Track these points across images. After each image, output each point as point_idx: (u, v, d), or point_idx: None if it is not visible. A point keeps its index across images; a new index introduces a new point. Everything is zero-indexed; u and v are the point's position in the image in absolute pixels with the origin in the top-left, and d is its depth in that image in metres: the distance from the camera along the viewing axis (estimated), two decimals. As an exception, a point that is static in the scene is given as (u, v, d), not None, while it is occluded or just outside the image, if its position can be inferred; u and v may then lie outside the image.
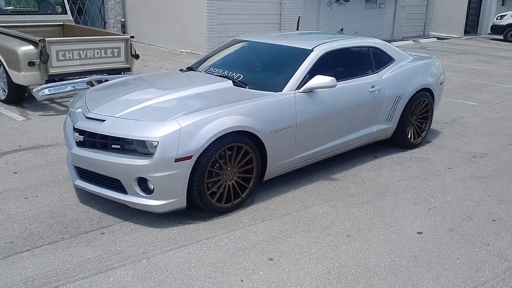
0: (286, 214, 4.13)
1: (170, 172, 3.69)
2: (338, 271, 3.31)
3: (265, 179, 4.41)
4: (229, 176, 4.06)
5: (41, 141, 5.76)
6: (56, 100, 7.56)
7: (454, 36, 20.59)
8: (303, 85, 4.54)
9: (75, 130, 4.07)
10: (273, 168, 4.40)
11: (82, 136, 4.00)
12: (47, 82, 6.80)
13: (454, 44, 17.52)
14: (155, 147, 3.67)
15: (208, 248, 3.57)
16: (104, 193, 3.97)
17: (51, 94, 6.71)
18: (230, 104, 4.08)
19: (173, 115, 3.88)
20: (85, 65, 7.05)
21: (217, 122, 3.87)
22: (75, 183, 4.16)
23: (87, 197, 4.30)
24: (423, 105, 5.91)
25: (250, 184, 4.23)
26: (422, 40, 17.73)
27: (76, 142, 4.07)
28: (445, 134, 6.55)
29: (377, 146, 5.83)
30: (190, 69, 5.33)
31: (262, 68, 5.02)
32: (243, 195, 4.20)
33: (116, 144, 3.85)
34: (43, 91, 6.65)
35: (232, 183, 4.11)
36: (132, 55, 7.49)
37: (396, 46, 6.08)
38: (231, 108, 4.04)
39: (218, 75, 4.86)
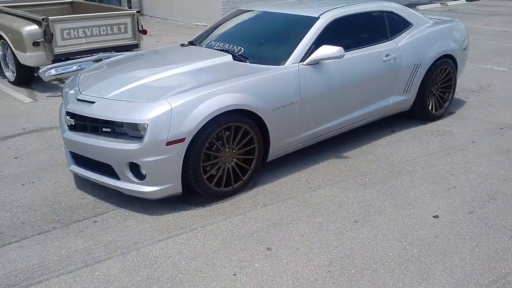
0: (290, 197, 3.86)
1: (162, 156, 3.45)
2: (341, 262, 3.04)
3: (269, 159, 4.13)
4: (228, 158, 3.80)
5: (46, 123, 5.61)
6: (65, 80, 7.40)
7: (487, -4, 19.45)
8: (307, 57, 4.18)
9: (67, 113, 3.87)
10: (277, 148, 4.11)
11: (73, 120, 3.79)
12: (53, 62, 6.65)
13: (486, 6, 16.53)
14: (144, 130, 3.43)
15: (203, 237, 3.34)
16: (98, 179, 3.78)
17: (57, 74, 6.55)
18: (227, 81, 3.79)
19: (164, 94, 3.61)
20: (91, 43, 6.85)
21: (211, 101, 3.59)
22: (70, 168, 3.99)
23: (84, 183, 4.12)
24: (445, 73, 5.46)
25: (252, 166, 3.96)
26: (450, 2, 16.78)
27: (68, 125, 3.87)
28: (470, 103, 6.09)
29: (395, 120, 5.45)
30: (191, 43, 5.03)
31: (265, 39, 4.68)
32: (244, 178, 3.94)
33: (107, 128, 3.63)
34: (49, 72, 6.49)
35: (232, 166, 3.84)
36: (140, 31, 7.24)
37: (421, 10, 5.61)
38: (228, 85, 3.74)
39: (218, 49, 4.54)
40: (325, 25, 4.43)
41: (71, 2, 8.42)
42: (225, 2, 11.64)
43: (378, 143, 4.90)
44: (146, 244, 3.27)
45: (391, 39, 4.98)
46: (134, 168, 3.58)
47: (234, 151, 3.82)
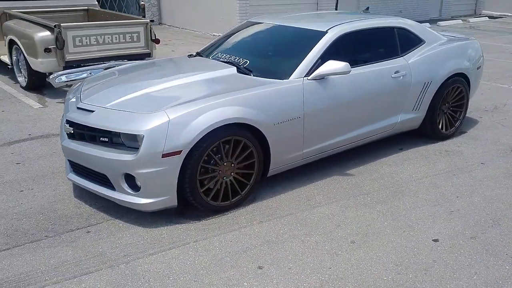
0: (288, 214, 3.77)
1: (158, 168, 3.41)
2: (333, 284, 2.93)
3: (269, 174, 4.06)
4: (226, 172, 3.74)
5: (52, 129, 5.63)
6: (77, 87, 7.46)
7: (509, 14, 19.17)
8: (313, 72, 4.12)
9: (66, 121, 3.86)
10: (277, 163, 4.04)
11: (72, 128, 3.78)
12: (64, 68, 6.68)
13: (508, 24, 16.27)
14: (140, 141, 3.39)
15: (195, 252, 3.27)
16: (94, 189, 3.75)
17: (68, 81, 6.55)
18: (228, 94, 3.74)
19: (164, 105, 3.58)
20: (103, 50, 6.88)
21: (211, 113, 3.54)
22: (67, 176, 3.97)
23: (81, 192, 4.10)
24: (457, 92, 5.33)
25: (251, 181, 3.89)
26: (472, 19, 16.58)
27: (67, 134, 3.86)
28: (483, 123, 5.94)
29: (405, 137, 5.33)
30: (198, 54, 5.00)
31: (272, 52, 4.62)
32: (243, 193, 3.87)
33: (104, 137, 3.60)
34: (59, 78, 6.51)
35: (230, 180, 3.78)
36: (152, 40, 7.25)
37: (442, 26, 5.51)
38: (229, 98, 3.69)
39: (223, 61, 4.50)
40: (332, 40, 4.36)
41: (87, 10, 8.50)
42: (242, 13, 11.67)
43: (384, 161, 4.78)
44: (136, 257, 3.21)
45: (402, 56, 4.88)
46: (130, 179, 3.54)
47: (232, 165, 3.75)
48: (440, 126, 5.28)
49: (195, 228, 3.58)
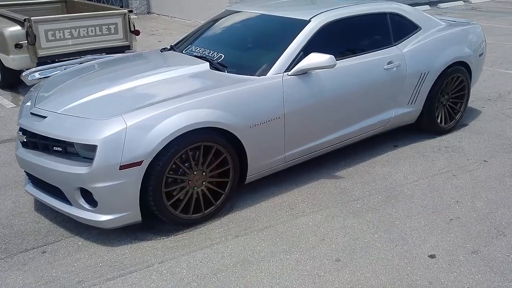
0: (268, 226, 3.38)
1: (115, 182, 3.01)
2: (312, 315, 2.55)
3: (247, 181, 3.66)
4: (197, 181, 3.34)
5: (22, 132, 5.23)
6: (55, 83, 7.05)
7: (514, -6, 18.51)
8: (293, 66, 3.70)
9: (20, 128, 3.47)
10: (256, 169, 3.64)
11: (25, 136, 3.39)
12: (38, 65, 6.25)
13: (513, 3, 15.69)
14: (94, 151, 3.00)
15: (159, 276, 2.89)
16: (50, 203, 3.36)
17: (42, 78, 6.15)
18: (196, 94, 3.33)
19: (123, 109, 3.18)
20: (79, 44, 6.45)
21: (175, 117, 3.14)
22: (25, 188, 3.60)
23: (43, 204, 3.72)
24: (457, 82, 4.90)
25: (226, 190, 3.50)
26: (474, 0, 15.98)
27: (21, 142, 3.47)
28: (486, 114, 5.50)
29: (400, 133, 4.91)
30: (172, 48, 4.58)
31: (250, 45, 4.19)
32: (217, 203, 3.48)
33: (58, 147, 3.21)
34: (33, 75, 6.06)
35: (202, 190, 3.39)
36: (132, 31, 6.81)
37: (443, 8, 5.05)
38: (197, 99, 3.28)
39: (196, 56, 4.08)
40: (316, 29, 3.93)
41: (65, 1, 8.06)
42: (232, 0, 11.18)
43: (377, 160, 4.38)
44: (92, 284, 2.84)
45: (395, 45, 4.45)
46: (86, 194, 3.15)
47: (204, 173, 3.36)
48: (439, 120, 4.86)
49: (162, 246, 3.19)
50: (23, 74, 6.12)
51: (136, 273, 2.92)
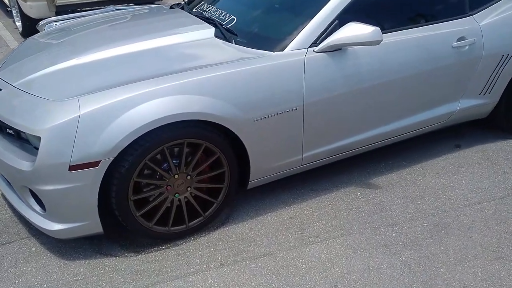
0: (266, 254, 2.58)
1: (64, 185, 2.31)
2: None
3: (249, 187, 2.85)
4: (179, 187, 2.58)
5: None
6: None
7: None
8: (323, 40, 2.76)
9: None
10: (262, 173, 2.82)
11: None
12: (56, 14, 5.66)
13: None
14: (38, 144, 2.29)
15: (105, 317, 2.20)
16: (6, 195, 2.73)
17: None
18: (182, 74, 2.51)
19: (84, 89, 2.42)
20: (102, -8, 5.74)
21: (146, 106, 2.35)
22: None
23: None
24: (551, 68, 3.73)
25: (219, 198, 2.71)
26: None
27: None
28: None
29: (466, 127, 3.88)
30: (186, 4, 3.73)
31: (270, 9, 3.25)
32: (206, 214, 2.71)
33: (10, 129, 2.53)
34: (50, 25, 5.46)
35: (186, 197, 2.63)
36: (163, -20, 6.00)
37: None
38: (182, 81, 2.47)
39: (205, 18, 3.21)
40: (359, -9, 2.93)
41: None
42: None
43: (430, 165, 3.41)
44: (19, 319, 2.20)
45: (470, 15, 3.35)
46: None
47: (189, 177, 2.58)
48: (520, 116, 3.76)
49: (125, 267, 2.49)
50: (40, 23, 5.51)
51: (80, 307, 2.25)
